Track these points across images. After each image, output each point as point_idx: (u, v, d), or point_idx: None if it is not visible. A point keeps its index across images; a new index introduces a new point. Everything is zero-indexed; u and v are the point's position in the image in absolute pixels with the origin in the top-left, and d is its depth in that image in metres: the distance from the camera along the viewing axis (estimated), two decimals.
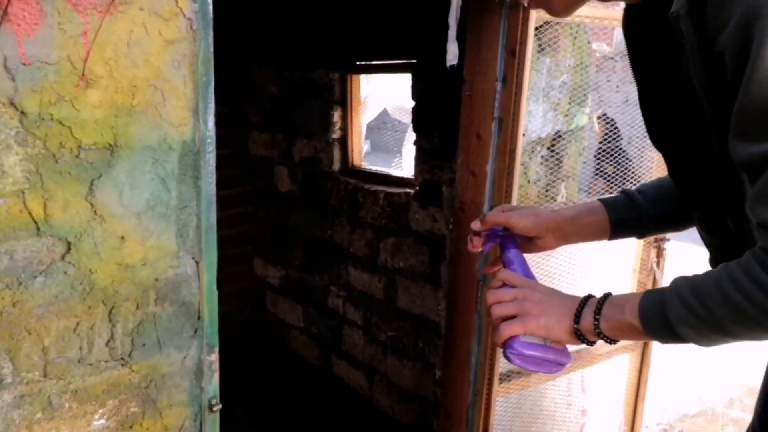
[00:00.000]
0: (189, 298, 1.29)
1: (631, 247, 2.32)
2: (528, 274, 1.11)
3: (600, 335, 0.97)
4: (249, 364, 3.42)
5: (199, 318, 1.32)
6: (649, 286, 2.38)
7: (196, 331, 1.32)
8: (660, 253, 2.37)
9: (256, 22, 3.40)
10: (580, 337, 0.98)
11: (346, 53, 2.91)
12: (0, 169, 1.02)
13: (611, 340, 0.98)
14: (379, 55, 2.79)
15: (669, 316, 0.89)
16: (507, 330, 0.99)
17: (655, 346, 2.47)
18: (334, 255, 3.14)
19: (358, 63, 2.91)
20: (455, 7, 1.58)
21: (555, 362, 1.02)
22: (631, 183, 2.27)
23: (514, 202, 1.86)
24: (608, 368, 2.41)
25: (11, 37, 1.00)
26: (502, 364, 2.05)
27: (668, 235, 2.35)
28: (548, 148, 2.11)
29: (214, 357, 1.38)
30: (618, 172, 2.34)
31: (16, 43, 1.00)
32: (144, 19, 1.12)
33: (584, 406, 2.41)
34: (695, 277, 0.91)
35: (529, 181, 2.11)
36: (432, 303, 2.62)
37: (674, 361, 3.69)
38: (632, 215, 1.21)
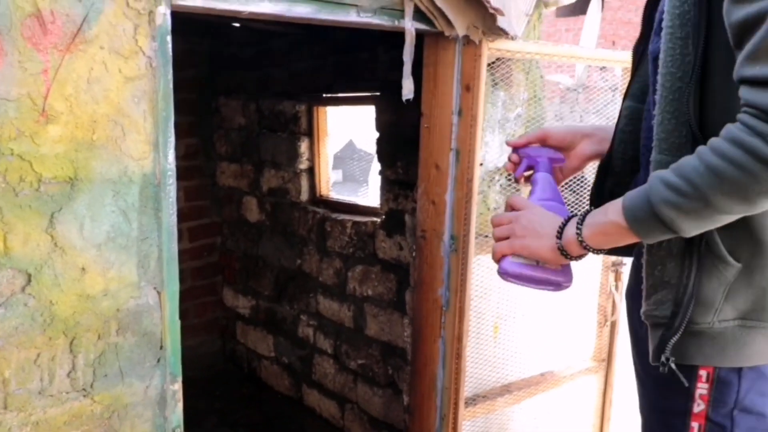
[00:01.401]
0: (151, 328, 1.31)
1: (590, 272, 2.39)
2: (553, 196, 1.18)
3: (583, 244, 1.01)
4: (219, 396, 3.39)
5: (161, 347, 1.34)
6: (609, 310, 2.45)
7: (158, 361, 1.34)
8: (618, 277, 2.44)
9: (222, 54, 3.46)
10: (563, 253, 1.04)
11: (313, 85, 2.98)
12: None
13: (596, 251, 1.02)
14: (345, 87, 2.86)
15: (651, 199, 0.91)
16: (497, 249, 1.10)
17: (618, 367, 2.53)
18: (303, 284, 3.16)
19: (324, 95, 2.98)
20: (409, 44, 1.66)
21: (547, 281, 1.10)
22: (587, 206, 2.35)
23: (474, 229, 1.92)
24: (574, 390, 2.45)
25: None
26: (467, 389, 2.08)
27: (625, 260, 2.43)
28: (507, 177, 2.19)
29: (178, 386, 1.40)
30: (577, 199, 2.42)
31: None
32: (104, 57, 1.16)
33: (551, 429, 2.45)
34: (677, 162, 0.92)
35: (489, 209, 2.18)
36: (399, 330, 2.65)
37: None
38: None
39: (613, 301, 2.41)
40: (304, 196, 3.12)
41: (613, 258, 2.38)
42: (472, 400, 2.13)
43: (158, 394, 1.36)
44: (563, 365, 2.40)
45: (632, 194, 0.96)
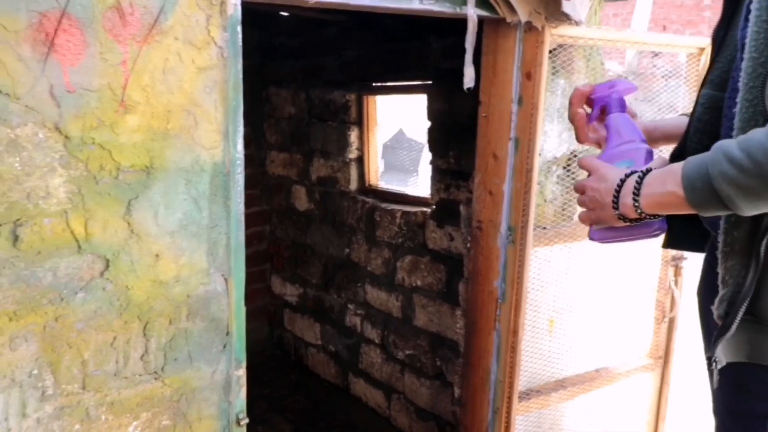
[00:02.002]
0: (218, 314, 1.33)
1: (649, 267, 2.33)
2: (629, 136, 1.15)
3: (639, 212, 1.00)
4: (267, 382, 3.45)
5: (227, 333, 1.36)
6: (668, 306, 2.39)
7: (225, 347, 1.36)
8: (678, 272, 2.38)
9: (272, 44, 3.49)
10: (625, 220, 1.03)
11: (363, 74, 2.98)
12: (45, 190, 1.08)
13: (654, 216, 1.01)
14: (395, 76, 2.85)
15: (710, 171, 0.88)
16: (581, 220, 1.12)
17: (676, 364, 2.47)
18: (351, 273, 3.18)
19: (374, 84, 2.97)
20: (471, 31, 1.64)
21: (635, 235, 1.09)
22: None
23: (532, 221, 1.90)
24: (629, 387, 2.41)
25: (57, 66, 1.06)
26: (521, 383, 2.06)
27: (686, 254, 2.36)
28: (564, 168, 2.14)
29: (242, 372, 1.42)
30: None
31: (61, 72, 1.07)
32: (178, 48, 1.18)
33: (605, 426, 2.41)
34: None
35: (545, 200, 2.15)
36: (449, 321, 2.64)
37: (699, 382, 3.66)
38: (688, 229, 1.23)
39: (672, 297, 2.35)
40: (353, 185, 3.13)
41: (674, 252, 2.32)
42: (526, 395, 2.11)
43: (224, 379, 1.38)
44: (619, 362, 2.36)
45: (693, 162, 0.93)
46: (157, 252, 1.21)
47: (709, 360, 1.05)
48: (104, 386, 1.20)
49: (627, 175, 1.02)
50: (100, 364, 1.19)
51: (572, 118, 1.26)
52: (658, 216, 1.02)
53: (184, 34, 1.18)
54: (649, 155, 1.14)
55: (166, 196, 1.20)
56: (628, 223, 1.04)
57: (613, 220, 1.05)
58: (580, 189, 1.12)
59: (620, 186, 1.02)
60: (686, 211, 0.96)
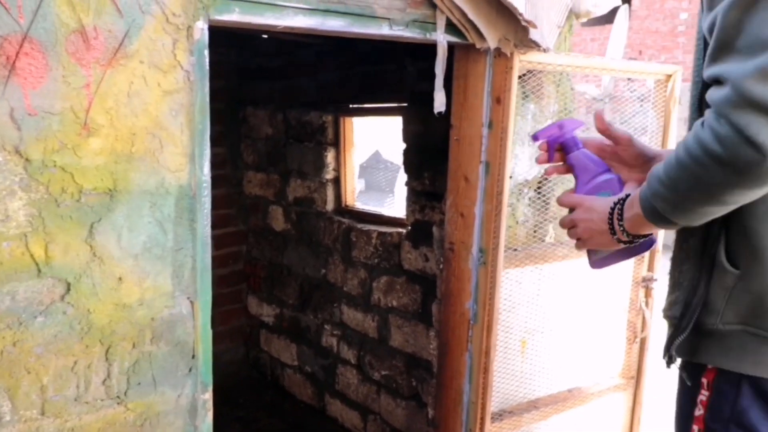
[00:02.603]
0: (184, 338, 1.32)
1: (620, 288, 2.36)
2: (595, 171, 1.18)
3: (629, 236, 1.05)
4: (242, 404, 3.41)
5: (193, 357, 1.35)
6: (639, 327, 2.41)
7: (190, 370, 1.35)
8: (648, 293, 2.40)
9: (250, 65, 3.50)
10: (621, 242, 1.07)
11: (339, 96, 3.00)
12: (4, 213, 1.07)
13: (641, 237, 1.06)
14: (371, 98, 2.87)
15: (648, 191, 0.97)
16: (578, 249, 1.16)
17: (647, 384, 2.48)
18: (327, 294, 3.17)
19: (350, 106, 2.99)
20: (441, 57, 1.66)
21: (634, 254, 1.15)
22: None
23: (503, 242, 1.91)
24: (601, 407, 2.42)
25: (18, 89, 1.06)
26: (494, 403, 2.06)
27: (656, 275, 2.40)
28: (535, 190, 2.17)
29: (208, 395, 1.41)
30: None
31: (22, 95, 1.07)
32: (144, 71, 1.19)
33: None
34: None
35: (517, 222, 2.17)
36: (424, 342, 2.64)
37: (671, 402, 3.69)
38: None
39: (644, 318, 2.38)
40: (330, 205, 3.13)
41: (644, 273, 2.35)
42: (499, 416, 2.11)
43: (189, 403, 1.37)
44: (591, 382, 2.37)
45: (643, 188, 1.00)
46: (120, 275, 1.20)
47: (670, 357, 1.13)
48: (64, 412, 1.18)
49: (615, 203, 1.07)
50: (60, 389, 1.17)
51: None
52: (648, 234, 1.07)
53: (150, 57, 1.18)
54: (620, 182, 1.18)
55: (130, 219, 1.20)
56: (625, 246, 1.09)
57: (612, 244, 1.09)
58: (569, 224, 1.15)
59: (611, 214, 1.07)
60: (653, 229, 1.03)
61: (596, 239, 1.11)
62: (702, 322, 1.04)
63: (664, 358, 1.11)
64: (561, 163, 1.25)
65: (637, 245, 1.11)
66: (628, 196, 1.06)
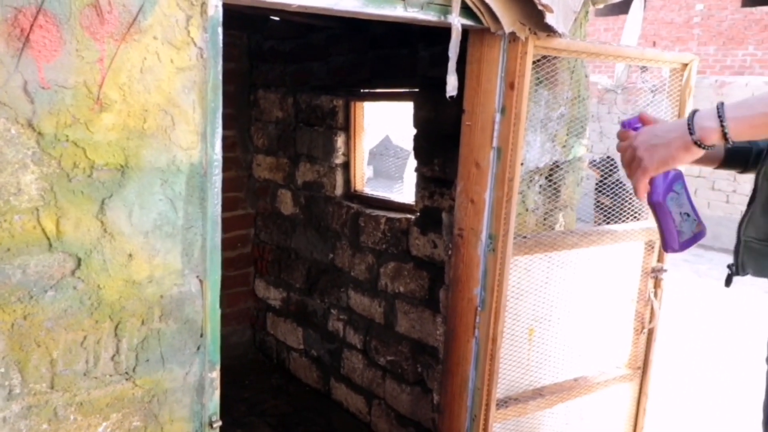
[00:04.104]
0: (192, 316, 1.33)
1: (629, 278, 2.35)
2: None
3: (726, 136, 1.05)
4: (248, 386, 3.43)
5: (201, 335, 1.35)
6: (647, 317, 2.40)
7: (198, 348, 1.35)
8: (657, 284, 2.39)
9: (262, 48, 3.49)
10: (700, 145, 1.08)
11: (351, 80, 2.99)
12: (16, 186, 1.07)
13: (732, 142, 1.07)
14: (383, 83, 2.86)
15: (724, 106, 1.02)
16: (636, 181, 1.16)
17: (654, 376, 2.48)
18: (335, 278, 3.17)
19: (361, 90, 2.98)
20: (455, 40, 1.65)
21: (701, 238, 1.27)
22: (628, 214, 2.31)
23: (512, 229, 1.90)
24: (607, 397, 2.41)
25: (32, 62, 1.06)
26: (499, 390, 2.06)
27: (666, 266, 2.38)
28: (546, 178, 2.16)
29: (216, 374, 1.41)
30: (615, 204, 2.38)
31: (36, 69, 1.06)
32: (157, 47, 1.18)
33: None
34: None
35: (527, 210, 2.16)
36: (430, 328, 2.64)
37: (680, 395, 3.69)
38: (746, 147, 1.38)
39: (652, 309, 2.36)
40: (339, 190, 3.13)
41: (653, 264, 2.33)
42: (504, 402, 2.11)
43: (197, 381, 1.38)
44: (597, 371, 2.37)
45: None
46: (131, 252, 1.21)
47: None
48: (73, 386, 1.19)
49: (693, 112, 1.09)
50: (70, 363, 1.17)
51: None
52: (732, 143, 1.08)
53: (163, 33, 1.17)
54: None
55: (141, 196, 1.20)
56: (700, 149, 1.09)
57: (679, 151, 1.10)
58: (621, 150, 1.18)
59: (691, 118, 1.08)
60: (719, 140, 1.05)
61: (658, 156, 1.11)
62: None
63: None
64: None
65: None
66: (722, 102, 1.08)
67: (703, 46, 9.79)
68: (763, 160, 1.28)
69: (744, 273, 1.32)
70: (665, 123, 1.17)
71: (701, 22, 9.88)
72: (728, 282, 1.36)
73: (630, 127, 1.26)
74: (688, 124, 1.09)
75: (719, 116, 1.07)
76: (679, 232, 1.32)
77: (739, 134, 1.06)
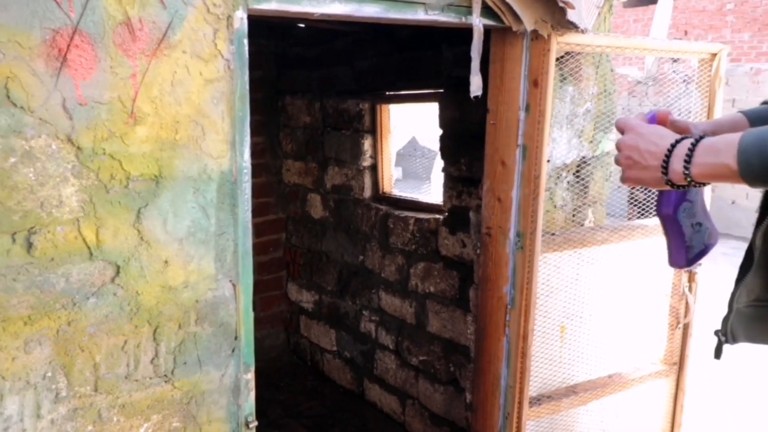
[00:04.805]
0: (227, 319, 1.37)
1: (662, 273, 2.32)
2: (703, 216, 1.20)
3: (690, 182, 0.97)
4: (283, 388, 3.48)
5: (236, 338, 1.39)
6: (682, 312, 2.37)
7: (233, 351, 1.39)
8: (692, 278, 2.36)
9: (288, 55, 3.54)
10: (672, 185, 1.00)
11: (376, 84, 3.02)
12: (58, 199, 1.12)
13: (701, 184, 0.99)
14: (408, 85, 2.88)
15: (756, 147, 0.88)
16: (622, 182, 1.09)
17: (691, 371, 2.44)
18: (365, 280, 3.20)
19: (387, 93, 3.00)
20: (477, 41, 1.66)
21: (712, 248, 1.20)
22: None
23: (540, 226, 1.90)
24: (643, 394, 2.39)
25: (69, 80, 1.11)
26: (532, 388, 2.06)
27: (700, 261, 2.34)
28: (574, 174, 2.15)
29: (251, 375, 1.45)
30: (649, 198, 2.35)
31: (73, 86, 1.11)
32: (186, 60, 1.22)
33: None
34: None
35: (555, 206, 2.15)
36: (462, 327, 2.65)
37: (715, 389, 3.61)
38: None
39: (687, 303, 2.33)
40: (367, 192, 3.16)
41: None
42: (537, 400, 2.11)
43: (233, 383, 1.42)
44: (632, 368, 2.34)
45: (751, 136, 0.90)
46: (166, 258, 1.25)
47: None
48: (116, 389, 1.24)
49: (677, 140, 1.00)
50: (112, 367, 1.23)
51: None
52: (705, 183, 1.01)
53: (192, 47, 1.22)
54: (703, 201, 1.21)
55: (175, 204, 1.24)
56: (672, 188, 1.02)
57: (655, 183, 1.02)
58: (617, 146, 1.10)
59: (670, 150, 0.99)
60: (736, 182, 0.95)
61: (636, 173, 1.03)
62: None
63: None
64: None
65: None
66: (702, 137, 0.97)
67: (737, 33, 9.54)
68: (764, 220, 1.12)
69: (734, 342, 1.20)
70: (652, 134, 1.03)
71: (735, 9, 9.64)
72: (718, 353, 1.23)
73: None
74: (664, 159, 0.99)
75: (686, 158, 0.97)
76: (688, 248, 1.23)
77: (701, 179, 0.97)
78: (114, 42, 1.12)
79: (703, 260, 1.28)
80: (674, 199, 1.19)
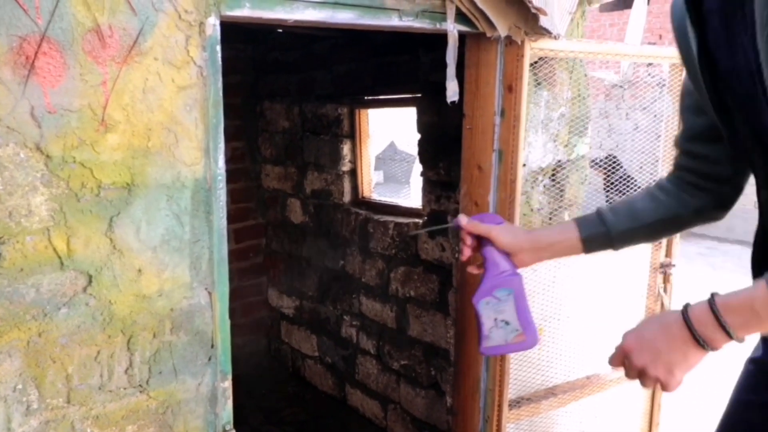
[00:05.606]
0: (203, 327, 1.36)
1: (637, 274, 2.35)
2: (505, 266, 1.36)
3: (734, 339, 0.96)
4: (264, 394, 3.46)
5: (212, 346, 1.38)
6: (657, 312, 2.40)
7: (210, 359, 1.38)
8: (667, 279, 2.39)
9: (266, 59, 3.53)
10: (707, 349, 0.99)
11: (354, 88, 3.02)
12: (27, 208, 1.11)
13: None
14: (386, 89, 2.88)
15: None
16: (644, 387, 1.11)
17: None
18: (346, 285, 3.20)
19: (365, 97, 3.01)
20: (452, 47, 1.67)
21: (521, 349, 1.36)
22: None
23: None
24: (621, 394, 2.41)
25: (37, 88, 1.10)
26: (511, 391, 2.07)
27: (675, 261, 2.38)
28: (550, 178, 2.17)
29: (228, 384, 1.44)
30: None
31: (42, 94, 1.10)
32: (158, 67, 1.21)
33: None
34: None
35: (532, 210, 2.17)
36: (442, 331, 2.66)
37: (692, 387, 3.66)
38: (601, 231, 1.35)
39: (662, 304, 2.36)
40: (347, 197, 3.16)
41: (662, 259, 2.33)
42: (516, 403, 2.12)
43: (210, 391, 1.40)
44: (610, 368, 2.36)
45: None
46: (140, 267, 1.24)
47: None
48: (89, 400, 1.22)
49: (683, 314, 0.99)
50: (85, 378, 1.21)
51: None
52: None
53: (164, 54, 1.21)
54: (521, 282, 1.37)
55: (148, 212, 1.23)
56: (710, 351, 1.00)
57: (694, 357, 1.00)
58: (620, 359, 1.15)
59: (690, 326, 0.98)
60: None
61: (664, 364, 1.02)
62: None
63: None
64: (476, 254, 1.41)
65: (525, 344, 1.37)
66: (713, 297, 0.96)
67: None
68: None
69: None
70: (654, 325, 1.06)
71: None
72: None
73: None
74: (695, 338, 0.98)
75: (721, 325, 0.95)
76: (485, 337, 1.34)
77: (749, 335, 0.96)
78: (83, 49, 1.11)
79: (511, 353, 1.64)
80: (480, 291, 1.34)
